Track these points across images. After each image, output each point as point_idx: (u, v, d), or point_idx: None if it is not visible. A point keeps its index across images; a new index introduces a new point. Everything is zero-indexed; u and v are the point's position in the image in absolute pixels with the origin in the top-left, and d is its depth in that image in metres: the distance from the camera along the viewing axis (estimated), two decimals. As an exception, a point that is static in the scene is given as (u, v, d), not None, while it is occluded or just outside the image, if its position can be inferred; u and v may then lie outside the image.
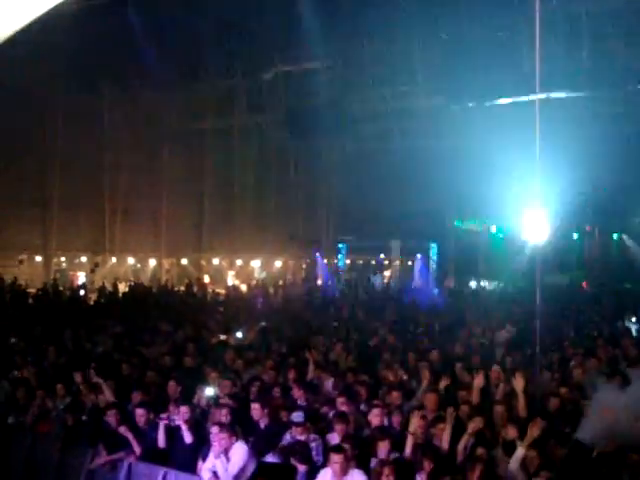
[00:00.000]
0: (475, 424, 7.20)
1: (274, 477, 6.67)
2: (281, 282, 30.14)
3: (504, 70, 22.24)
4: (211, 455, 7.36)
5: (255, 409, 8.17)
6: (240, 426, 7.83)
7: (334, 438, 7.50)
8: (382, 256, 33.99)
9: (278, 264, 34.72)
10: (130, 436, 7.98)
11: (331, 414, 8.15)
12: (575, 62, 20.99)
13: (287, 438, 7.64)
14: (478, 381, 8.67)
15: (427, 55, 23.51)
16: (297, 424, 7.63)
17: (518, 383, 8.17)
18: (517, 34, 21.52)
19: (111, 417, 8.28)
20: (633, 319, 17.40)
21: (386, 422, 7.90)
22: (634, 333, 15.24)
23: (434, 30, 22.33)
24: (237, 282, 31.70)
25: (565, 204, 28.99)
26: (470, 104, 24.96)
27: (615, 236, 32.17)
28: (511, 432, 7.16)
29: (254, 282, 29.71)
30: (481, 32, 21.78)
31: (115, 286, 25.58)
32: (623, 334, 14.27)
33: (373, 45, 24.46)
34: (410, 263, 34.57)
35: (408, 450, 7.10)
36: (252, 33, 23.40)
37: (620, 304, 21.90)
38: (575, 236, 33.33)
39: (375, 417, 7.88)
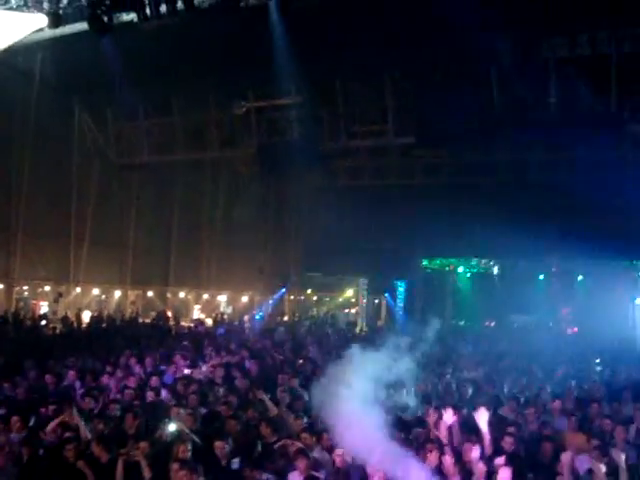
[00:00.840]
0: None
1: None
2: (247, 317, 29.95)
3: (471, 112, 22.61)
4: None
5: (218, 447, 8.05)
6: (202, 463, 7.69)
7: (295, 477, 7.43)
8: (350, 293, 34.05)
9: (245, 299, 34.54)
10: (88, 471, 7.79)
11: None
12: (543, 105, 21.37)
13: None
14: (447, 417, 8.64)
15: (398, 94, 23.80)
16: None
17: (481, 418, 8.17)
18: (486, 78, 21.95)
19: (69, 452, 8.08)
20: (597, 360, 17.62)
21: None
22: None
23: (406, 69, 22.65)
24: (202, 316, 31.44)
25: (531, 246, 29.50)
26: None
27: (580, 277, 32.65)
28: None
29: (217, 315, 29.52)
30: (452, 74, 22.11)
31: (78, 316, 25.18)
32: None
33: (345, 82, 24.73)
34: (377, 301, 34.68)
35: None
36: (225, 67, 23.49)
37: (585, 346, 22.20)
38: (541, 277, 33.77)
39: (338, 457, 7.83)
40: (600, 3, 18.05)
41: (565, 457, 7.67)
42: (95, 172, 28.79)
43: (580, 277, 32.88)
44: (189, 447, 7.86)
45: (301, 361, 15.72)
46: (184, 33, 20.19)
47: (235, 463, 7.78)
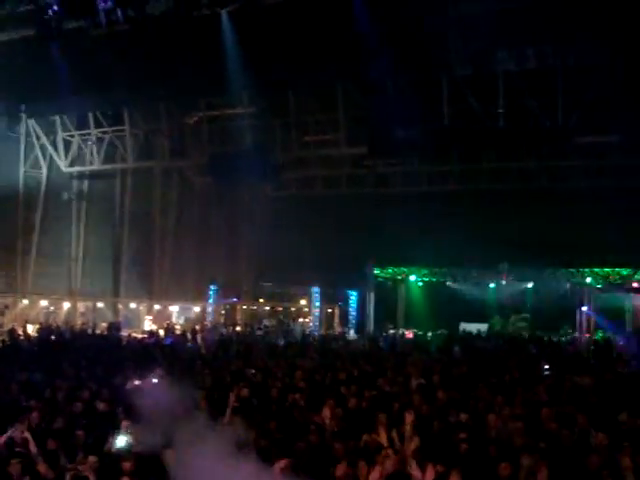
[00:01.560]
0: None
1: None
2: (198, 327, 29.67)
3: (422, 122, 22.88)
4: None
5: (168, 456, 7.94)
6: (151, 474, 7.58)
7: None
8: (303, 303, 33.99)
9: (197, 309, 34.23)
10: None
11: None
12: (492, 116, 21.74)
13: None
14: (409, 416, 8.71)
15: (350, 105, 23.97)
16: None
17: (407, 420, 8.37)
18: (437, 89, 22.25)
19: (14, 467, 7.87)
20: (546, 366, 17.97)
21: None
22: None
23: (358, 80, 22.82)
24: (154, 327, 31.03)
25: (482, 255, 29.93)
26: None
27: (530, 285, 33.17)
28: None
29: (168, 325, 29.19)
30: (403, 85, 22.34)
31: (24, 329, 24.64)
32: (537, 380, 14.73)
33: (297, 93, 24.80)
34: (330, 310, 34.68)
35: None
36: (177, 76, 23.34)
37: (537, 351, 22.72)
38: (491, 285, 34.21)
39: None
40: (545, 19, 18.45)
41: None
42: (43, 181, 28.26)
43: (530, 285, 33.41)
44: (137, 460, 7.73)
45: (253, 371, 15.61)
46: (135, 41, 20.02)
47: None
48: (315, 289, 31.20)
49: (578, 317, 25.67)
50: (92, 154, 28.42)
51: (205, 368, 15.90)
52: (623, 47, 19.31)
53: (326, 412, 10.20)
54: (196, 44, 20.36)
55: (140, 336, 26.35)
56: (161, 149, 27.89)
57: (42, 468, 7.88)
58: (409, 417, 8.69)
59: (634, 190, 26.50)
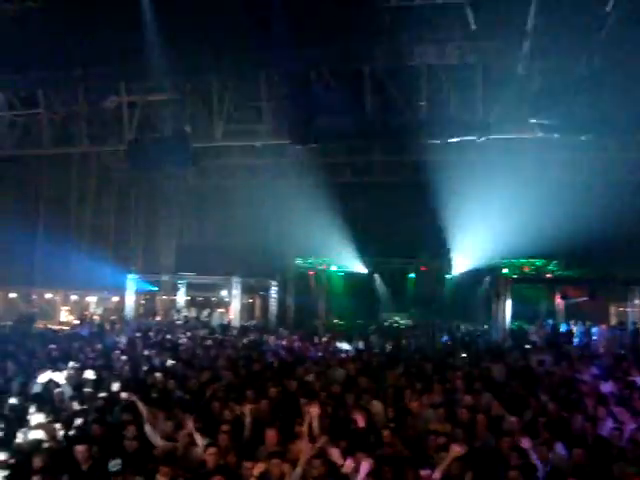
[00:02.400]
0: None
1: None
2: (114, 317, 29.10)
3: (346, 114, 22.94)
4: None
5: (79, 451, 7.73)
6: (63, 470, 7.36)
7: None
8: (223, 293, 33.75)
9: (116, 299, 33.51)
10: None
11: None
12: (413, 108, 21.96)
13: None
14: (314, 410, 8.72)
15: (274, 94, 23.82)
16: (115, 474, 7.29)
17: (312, 410, 8.53)
18: (359, 80, 22.33)
19: None
20: (463, 355, 18.43)
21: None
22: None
23: (281, 69, 22.66)
24: (71, 318, 30.27)
25: (403, 246, 30.41)
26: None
27: (449, 276, 33.85)
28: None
29: (85, 316, 28.51)
30: (326, 75, 22.32)
31: None
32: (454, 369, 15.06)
33: (220, 81, 24.48)
34: (251, 301, 34.56)
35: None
36: (95, 59, 22.66)
37: (453, 341, 23.29)
38: (411, 276, 34.77)
39: (210, 456, 7.71)
40: (465, 14, 18.73)
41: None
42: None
43: (448, 275, 34.10)
44: (48, 456, 7.49)
45: (174, 362, 15.43)
46: (50, 19, 19.32)
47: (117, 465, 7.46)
48: (235, 279, 30.97)
49: (494, 307, 26.34)
50: (5, 138, 27.31)
51: (124, 359, 15.65)
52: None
53: (247, 403, 10.14)
54: (116, 25, 19.78)
55: (56, 327, 25.68)
56: (79, 134, 27.06)
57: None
58: (314, 410, 8.73)
59: (548, 183, 27.46)
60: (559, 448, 8.72)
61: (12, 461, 7.62)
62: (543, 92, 19.23)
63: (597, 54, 18.47)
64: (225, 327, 28.09)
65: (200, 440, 8.18)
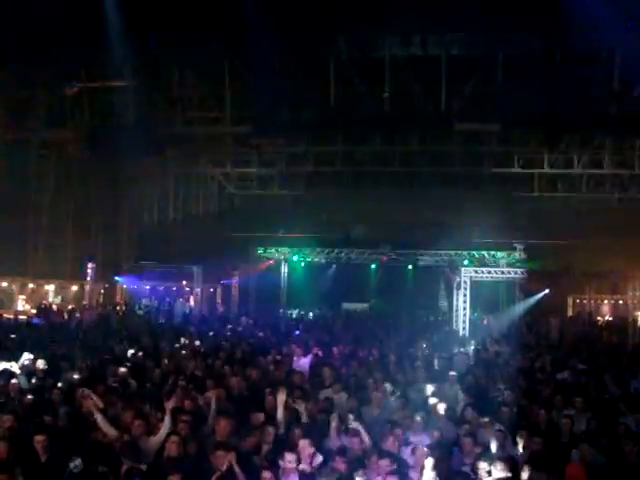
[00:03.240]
0: None
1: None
2: (71, 306, 28.72)
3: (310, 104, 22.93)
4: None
5: (38, 441, 7.61)
6: (21, 462, 7.23)
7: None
8: (184, 283, 33.53)
9: (75, 288, 33.06)
10: None
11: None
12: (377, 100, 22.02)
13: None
14: (281, 397, 8.74)
15: (237, 82, 23.65)
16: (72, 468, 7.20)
17: (280, 397, 8.71)
18: (324, 70, 22.30)
19: None
20: (424, 345, 18.59)
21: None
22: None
23: (245, 58, 22.52)
24: (28, 307, 29.75)
25: (365, 236, 30.51)
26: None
27: (410, 267, 34.07)
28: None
29: (43, 305, 28.08)
30: (291, 65, 22.27)
31: None
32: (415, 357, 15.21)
33: (182, 67, 24.25)
34: (212, 290, 34.41)
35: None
36: (54, 44, 22.23)
37: (414, 330, 23.51)
38: (373, 267, 34.92)
39: (172, 444, 7.65)
40: (430, 7, 18.81)
41: None
42: None
43: (410, 267, 34.32)
44: (6, 448, 7.35)
45: (132, 351, 15.29)
46: (9, 2, 18.94)
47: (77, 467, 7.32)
48: (197, 268, 30.79)
49: (455, 298, 26.63)
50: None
51: (83, 349, 15.46)
52: (503, 40, 20.05)
53: (209, 393, 10.07)
54: (75, 9, 19.41)
55: (12, 317, 25.27)
56: (37, 120, 26.57)
57: None
58: (281, 396, 8.76)
59: (508, 176, 27.81)
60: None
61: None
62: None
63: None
64: (186, 316, 27.95)
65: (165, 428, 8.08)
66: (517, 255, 30.99)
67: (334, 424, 8.62)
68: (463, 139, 25.63)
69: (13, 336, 17.67)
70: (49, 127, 26.69)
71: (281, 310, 33.09)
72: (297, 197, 28.69)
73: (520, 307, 30.74)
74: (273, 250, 35.03)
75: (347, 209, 28.84)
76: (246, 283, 33.67)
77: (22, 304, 30.72)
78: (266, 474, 6.83)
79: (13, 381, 10.96)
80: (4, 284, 30.99)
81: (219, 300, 34.44)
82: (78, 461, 7.24)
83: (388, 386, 11.25)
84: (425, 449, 7.79)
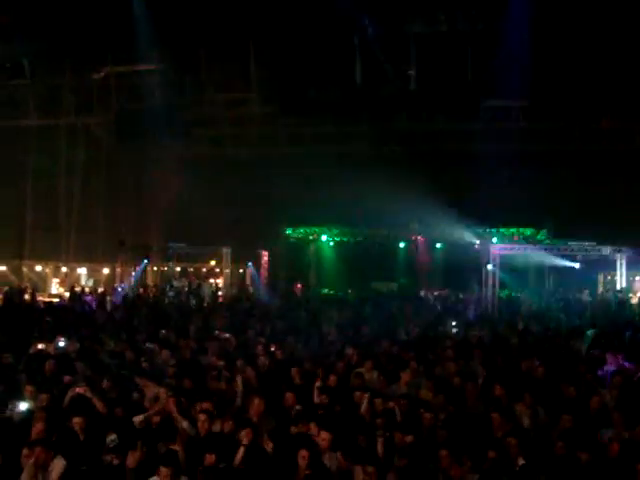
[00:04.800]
0: None
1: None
2: (101, 289, 29.10)
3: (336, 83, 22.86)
4: (25, 473, 6.91)
5: (76, 423, 7.79)
6: (59, 440, 7.42)
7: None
8: (213, 263, 33.76)
9: (106, 271, 33.48)
10: None
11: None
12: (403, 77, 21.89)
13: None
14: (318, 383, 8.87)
15: (263, 62, 23.64)
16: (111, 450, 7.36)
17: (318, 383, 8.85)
18: (349, 49, 22.18)
19: None
20: (454, 323, 18.58)
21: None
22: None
23: (271, 38, 22.49)
24: (62, 290, 30.23)
25: (393, 214, 30.43)
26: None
27: (438, 245, 33.96)
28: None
29: (77, 288, 28.47)
30: (316, 44, 22.17)
31: None
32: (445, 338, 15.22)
33: (208, 50, 24.26)
34: (241, 270, 34.61)
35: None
36: (83, 29, 22.38)
37: (444, 309, 23.46)
38: (402, 245, 34.85)
39: (202, 423, 7.80)
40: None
41: None
42: None
43: (439, 245, 34.20)
44: (44, 426, 7.54)
45: (164, 331, 15.46)
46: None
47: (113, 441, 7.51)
48: (226, 249, 30.99)
49: (484, 276, 26.44)
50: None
51: (116, 331, 15.68)
52: (530, 15, 19.76)
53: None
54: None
55: (47, 300, 25.69)
56: (66, 105, 26.81)
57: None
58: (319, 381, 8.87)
59: (538, 153, 27.45)
60: (541, 413, 8.88)
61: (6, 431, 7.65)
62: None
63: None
64: (216, 297, 28.17)
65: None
66: (546, 231, 30.78)
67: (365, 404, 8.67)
68: (490, 116, 25.35)
69: (48, 319, 17.95)
70: (77, 112, 26.93)
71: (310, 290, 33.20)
72: (324, 177, 28.61)
73: (550, 284, 30.53)
74: (302, 230, 35.14)
75: (374, 188, 28.72)
76: (275, 263, 33.84)
77: (56, 287, 31.24)
78: (303, 452, 6.96)
79: (49, 362, 11.19)
80: (38, 268, 31.53)
81: (248, 281, 34.63)
82: (114, 436, 7.44)
83: (414, 365, 11.28)
84: None
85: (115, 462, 7.10)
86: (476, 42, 20.97)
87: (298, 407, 8.56)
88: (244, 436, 7.34)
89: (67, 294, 27.78)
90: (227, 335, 14.84)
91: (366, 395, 8.72)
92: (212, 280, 33.55)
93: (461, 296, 30.22)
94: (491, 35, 20.97)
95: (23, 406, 8.51)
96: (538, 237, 30.57)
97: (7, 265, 30.53)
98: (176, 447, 7.36)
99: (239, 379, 9.54)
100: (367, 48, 21.92)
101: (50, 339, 13.55)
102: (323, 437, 7.31)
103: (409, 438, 7.38)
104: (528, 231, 31.31)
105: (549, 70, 20.75)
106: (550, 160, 27.66)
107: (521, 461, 7.15)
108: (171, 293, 29.84)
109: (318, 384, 9.03)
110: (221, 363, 11.28)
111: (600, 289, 29.70)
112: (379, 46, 21.99)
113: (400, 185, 28.63)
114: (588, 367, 11.46)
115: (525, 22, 20.00)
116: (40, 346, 12.73)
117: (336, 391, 9.47)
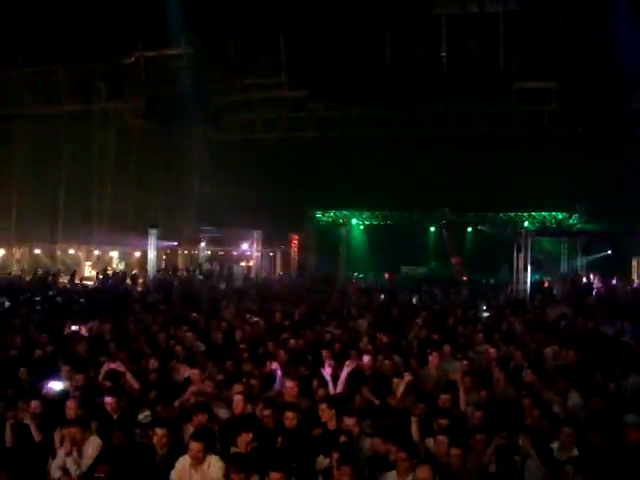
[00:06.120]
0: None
1: (119, 461, 6.54)
2: (135, 271, 29.43)
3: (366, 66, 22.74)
4: (61, 452, 7.05)
5: (109, 403, 7.92)
6: (94, 420, 7.55)
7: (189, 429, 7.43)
8: (244, 247, 33.95)
9: (137, 254, 33.84)
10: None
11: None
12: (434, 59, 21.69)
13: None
14: (350, 365, 8.88)
15: (292, 46, 23.57)
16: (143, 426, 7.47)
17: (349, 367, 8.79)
18: (379, 31, 22.03)
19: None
20: (484, 307, 18.49)
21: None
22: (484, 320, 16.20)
23: (299, 23, 22.41)
24: (93, 273, 30.66)
25: (423, 198, 30.33)
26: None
27: (469, 229, 33.78)
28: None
29: (105, 271, 28.86)
30: (346, 27, 22.05)
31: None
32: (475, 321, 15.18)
33: (237, 34, 24.24)
34: (272, 254, 34.78)
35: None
36: (113, 14, 22.49)
37: (474, 293, 23.37)
38: (432, 229, 34.72)
39: (238, 403, 7.88)
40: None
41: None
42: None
43: (469, 228, 34.01)
44: (78, 405, 7.67)
45: (195, 314, 15.61)
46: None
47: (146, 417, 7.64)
48: (256, 233, 31.14)
49: (515, 260, 26.23)
50: (22, 96, 27.30)
51: (147, 313, 15.85)
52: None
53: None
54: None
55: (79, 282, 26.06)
56: (97, 91, 27.01)
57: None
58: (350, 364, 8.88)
59: (570, 136, 27.07)
60: (574, 397, 8.80)
61: (43, 410, 7.80)
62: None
63: None
64: (247, 280, 28.33)
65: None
66: (579, 216, 30.43)
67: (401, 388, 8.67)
68: (521, 98, 25.04)
69: (82, 300, 18.22)
70: (108, 98, 27.11)
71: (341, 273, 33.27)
72: (354, 160, 28.57)
73: (582, 269, 30.21)
74: (332, 213, 35.16)
75: (404, 172, 28.62)
76: (305, 247, 33.92)
77: (88, 270, 31.67)
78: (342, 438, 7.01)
79: (83, 343, 11.38)
80: (71, 251, 31.97)
81: (278, 264, 34.78)
82: (147, 412, 7.57)
83: (448, 348, 11.26)
84: None
85: (146, 441, 7.19)
86: (508, 23, 20.69)
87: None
88: (292, 418, 7.41)
89: (99, 277, 28.16)
90: (257, 319, 14.96)
91: (406, 378, 8.70)
92: (243, 263, 33.72)
93: (492, 281, 30.09)
94: (523, 16, 20.70)
95: (58, 386, 8.66)
96: (570, 221, 30.23)
97: (41, 249, 31.00)
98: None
99: (273, 362, 9.60)
100: (397, 30, 21.74)
101: (84, 321, 13.76)
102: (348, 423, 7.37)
103: (444, 421, 7.36)
104: (560, 215, 30.96)
105: (582, 50, 20.42)
106: (583, 143, 27.28)
107: (575, 452, 6.96)
108: (201, 276, 30.09)
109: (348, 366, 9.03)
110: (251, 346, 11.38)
111: (634, 274, 29.33)
112: (409, 28, 21.80)
113: (430, 168, 28.52)
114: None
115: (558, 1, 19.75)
116: (74, 327, 12.92)
117: (364, 375, 9.51)
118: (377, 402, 8.41)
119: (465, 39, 21.89)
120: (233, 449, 6.95)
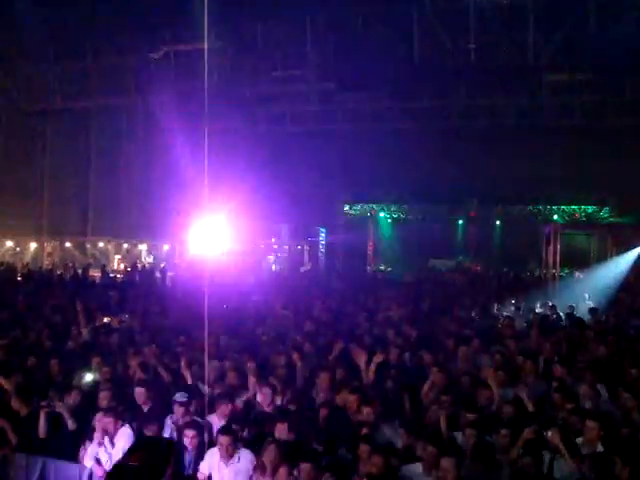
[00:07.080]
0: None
1: (151, 451, 6.57)
2: (163, 264, 29.64)
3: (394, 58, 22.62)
4: (94, 442, 7.15)
5: (139, 393, 8.00)
6: (125, 410, 7.65)
7: (215, 419, 7.51)
8: (272, 240, 34.02)
9: (166, 247, 34.06)
10: (6, 426, 7.62)
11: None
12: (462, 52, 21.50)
13: (168, 422, 7.57)
14: (377, 358, 8.88)
15: (320, 39, 23.53)
16: (180, 403, 7.55)
17: (377, 359, 8.84)
18: (407, 23, 21.89)
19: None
20: (512, 301, 18.36)
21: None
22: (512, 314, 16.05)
23: (327, 16, 22.37)
24: (123, 266, 30.95)
25: (450, 192, 30.15)
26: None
27: (497, 222, 33.49)
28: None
29: (134, 264, 29.09)
30: (373, 19, 21.97)
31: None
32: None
33: (265, 27, 24.27)
34: (299, 247, 34.81)
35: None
36: (142, 9, 22.63)
37: (500, 287, 23.19)
38: (460, 222, 34.50)
39: (264, 396, 7.93)
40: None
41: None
42: (2, 119, 27.50)
43: (497, 222, 33.74)
44: (110, 395, 7.78)
45: (225, 306, 15.69)
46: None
47: (182, 396, 7.74)
48: (284, 226, 31.20)
49: (544, 254, 26.02)
50: (54, 91, 27.59)
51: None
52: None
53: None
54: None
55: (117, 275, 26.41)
56: (126, 85, 27.20)
57: (16, 404, 7.91)
58: (379, 356, 8.88)
59: (601, 129, 26.71)
60: (602, 390, 8.72)
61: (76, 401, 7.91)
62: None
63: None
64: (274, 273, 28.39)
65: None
66: (609, 209, 30.04)
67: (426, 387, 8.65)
68: (551, 90, 24.76)
69: (112, 293, 18.38)
70: (137, 91, 27.29)
71: (368, 267, 33.23)
72: (382, 153, 28.48)
73: (613, 263, 29.84)
74: (359, 207, 35.09)
75: (432, 164, 28.47)
76: (333, 240, 33.91)
77: (118, 263, 32.00)
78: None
79: (113, 335, 11.50)
80: (101, 244, 32.31)
81: (306, 258, 34.80)
82: (182, 393, 7.70)
83: (477, 342, 11.19)
84: None
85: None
86: (537, 14, 20.46)
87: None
88: (370, 413, 7.46)
89: (128, 270, 28.41)
90: (285, 312, 14.99)
91: (376, 359, 8.78)
92: (271, 256, 33.80)
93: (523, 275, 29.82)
94: (553, 7, 20.44)
95: (88, 377, 8.79)
96: (601, 214, 29.85)
97: (72, 242, 31.36)
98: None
99: (296, 355, 9.63)
100: (425, 21, 21.60)
101: (115, 313, 13.91)
102: (367, 412, 7.43)
103: (472, 416, 7.34)
104: (590, 208, 30.59)
105: (612, 41, 20.11)
106: (613, 135, 26.91)
107: (600, 447, 6.89)
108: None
109: (378, 359, 9.02)
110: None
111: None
112: (437, 19, 21.64)
113: (459, 161, 28.33)
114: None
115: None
116: (105, 319, 13.08)
117: (394, 367, 9.50)
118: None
119: (494, 30, 21.68)
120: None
